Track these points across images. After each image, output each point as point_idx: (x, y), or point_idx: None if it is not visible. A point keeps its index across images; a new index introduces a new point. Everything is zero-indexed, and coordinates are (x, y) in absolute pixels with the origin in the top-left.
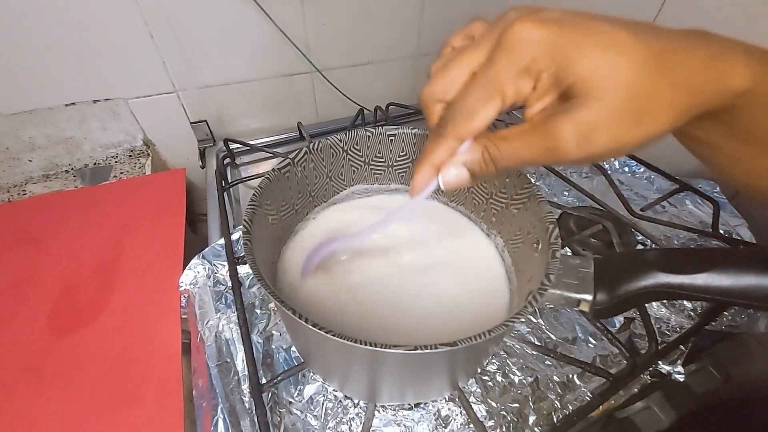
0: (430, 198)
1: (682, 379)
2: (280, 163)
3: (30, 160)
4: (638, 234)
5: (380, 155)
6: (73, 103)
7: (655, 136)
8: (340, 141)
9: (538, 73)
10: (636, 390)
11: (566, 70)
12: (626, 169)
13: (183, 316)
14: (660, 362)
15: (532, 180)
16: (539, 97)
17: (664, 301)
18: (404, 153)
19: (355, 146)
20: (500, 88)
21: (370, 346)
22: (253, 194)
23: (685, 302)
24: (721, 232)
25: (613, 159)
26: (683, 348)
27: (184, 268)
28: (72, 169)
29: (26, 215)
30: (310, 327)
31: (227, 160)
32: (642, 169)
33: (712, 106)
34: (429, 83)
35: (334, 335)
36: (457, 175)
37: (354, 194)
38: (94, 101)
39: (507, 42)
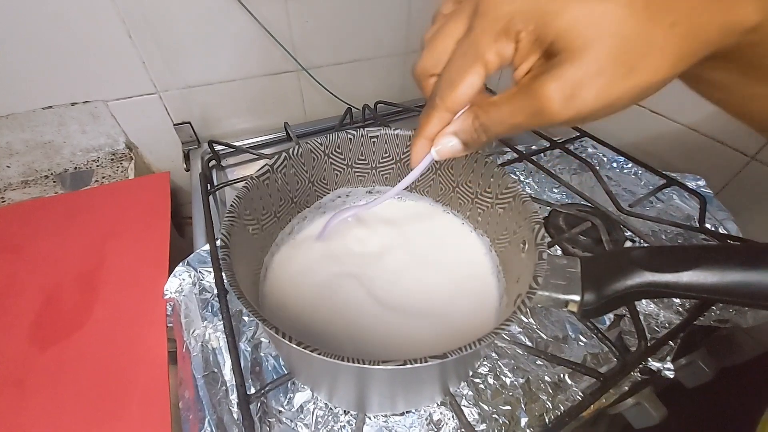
0: (417, 198)
1: (671, 376)
2: (259, 170)
3: (8, 166)
4: (627, 230)
5: (363, 157)
6: (50, 106)
7: (651, 87)
8: (321, 144)
9: (516, 34)
10: (627, 387)
11: (546, 26)
12: (614, 164)
13: (169, 325)
14: (650, 359)
15: (520, 178)
16: (522, 59)
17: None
18: (387, 154)
19: (337, 149)
20: (480, 55)
21: (357, 363)
22: (231, 205)
23: (674, 297)
24: (708, 226)
25: (602, 155)
26: (672, 344)
27: (169, 275)
28: (52, 174)
29: (5, 223)
30: (294, 346)
31: (212, 163)
32: (630, 165)
33: (718, 47)
34: (420, 58)
35: (319, 353)
36: (449, 146)
37: (338, 198)
38: (72, 104)
39: (483, 6)
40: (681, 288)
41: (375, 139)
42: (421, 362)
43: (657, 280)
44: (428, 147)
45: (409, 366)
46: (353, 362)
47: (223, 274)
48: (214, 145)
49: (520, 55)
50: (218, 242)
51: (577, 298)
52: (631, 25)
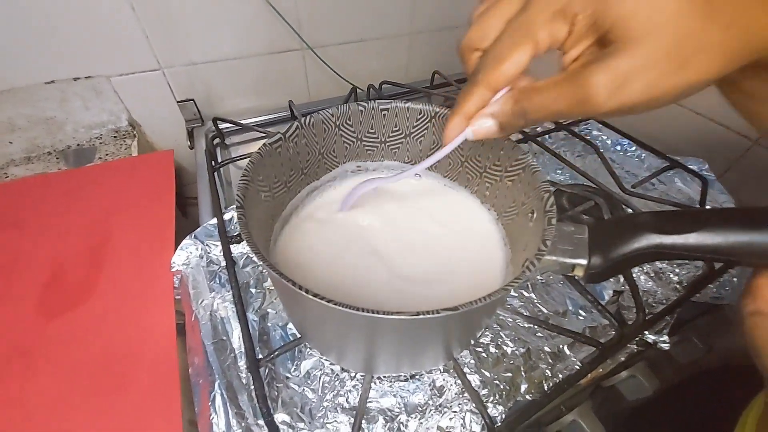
0: (423, 176)
1: (667, 348)
2: (272, 138)
3: (10, 142)
4: (629, 210)
5: (373, 130)
6: (52, 81)
7: (698, 85)
8: (332, 116)
9: (573, 16)
10: (623, 358)
11: (604, 12)
12: (618, 147)
13: (176, 297)
14: (646, 332)
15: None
16: (575, 43)
17: (652, 275)
18: (397, 128)
19: (348, 121)
20: (532, 33)
21: (373, 313)
22: (245, 169)
23: (672, 275)
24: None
25: (606, 138)
26: (669, 319)
27: (176, 250)
28: (54, 150)
29: (9, 198)
30: (311, 297)
31: (217, 140)
32: (633, 148)
33: (766, 55)
34: (467, 32)
35: (335, 304)
36: (485, 127)
37: (347, 173)
38: (75, 79)
39: None
40: (687, 249)
41: (386, 112)
42: (433, 313)
43: (663, 242)
44: (464, 125)
45: (421, 317)
46: (367, 312)
47: (240, 230)
48: (218, 122)
49: (572, 39)
50: (232, 208)
51: (584, 261)
52: (689, 20)
